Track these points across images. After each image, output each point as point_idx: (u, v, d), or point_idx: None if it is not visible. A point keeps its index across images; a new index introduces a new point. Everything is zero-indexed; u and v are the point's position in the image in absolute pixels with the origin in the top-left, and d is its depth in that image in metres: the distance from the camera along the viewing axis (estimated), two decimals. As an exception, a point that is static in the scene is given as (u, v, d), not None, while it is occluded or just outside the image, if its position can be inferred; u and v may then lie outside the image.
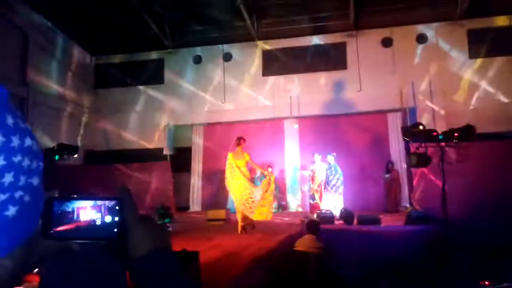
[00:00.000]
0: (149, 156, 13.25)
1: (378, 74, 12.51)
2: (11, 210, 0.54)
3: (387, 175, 11.29)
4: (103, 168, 12.70)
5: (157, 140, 13.82)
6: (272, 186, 7.63)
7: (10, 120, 0.54)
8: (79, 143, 12.93)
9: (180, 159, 13.45)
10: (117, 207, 0.70)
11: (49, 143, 9.94)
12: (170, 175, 12.59)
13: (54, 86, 13.04)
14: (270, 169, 9.44)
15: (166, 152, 13.40)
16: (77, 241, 0.69)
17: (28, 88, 11.69)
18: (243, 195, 7.36)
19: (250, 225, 7.49)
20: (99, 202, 0.69)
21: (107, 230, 0.69)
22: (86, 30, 13.86)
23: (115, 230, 0.69)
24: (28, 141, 0.56)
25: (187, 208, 12.87)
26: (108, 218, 0.69)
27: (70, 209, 0.68)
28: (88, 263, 0.71)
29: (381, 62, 12.57)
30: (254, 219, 7.43)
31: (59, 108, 13.19)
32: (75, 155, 9.89)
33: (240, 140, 7.71)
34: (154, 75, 14.35)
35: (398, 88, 12.28)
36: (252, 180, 8.38)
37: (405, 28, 12.56)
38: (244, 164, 7.54)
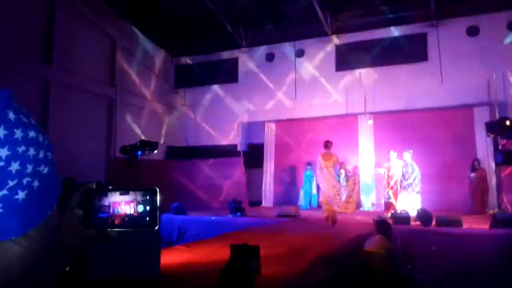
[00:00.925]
0: (224, 152, 13.74)
1: (463, 65, 11.59)
2: (21, 195, 0.62)
3: (472, 174, 10.43)
4: (181, 164, 13.42)
5: (232, 137, 14.25)
6: (357, 186, 9.11)
7: (11, 115, 0.62)
8: (160, 140, 13.78)
9: (253, 155, 13.72)
10: (147, 197, 0.77)
11: (133, 139, 10.71)
12: (243, 170, 12.92)
13: (138, 87, 14.06)
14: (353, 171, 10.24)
15: (239, 148, 13.76)
16: (114, 229, 0.77)
17: (116, 89, 12.74)
18: (331, 192, 8.43)
19: (333, 218, 8.16)
20: (131, 197, 0.77)
21: (140, 220, 0.76)
22: (167, 34, 14.74)
23: (147, 219, 0.76)
24: (31, 133, 0.64)
25: (259, 203, 13.11)
26: (140, 208, 0.76)
27: (107, 203, 0.76)
28: (125, 248, 0.80)
29: (466, 52, 11.64)
30: (340, 211, 8.52)
31: (143, 107, 14.18)
32: (155, 151, 10.56)
33: (327, 143, 8.74)
34: (229, 74, 14.82)
35: (485, 80, 11.27)
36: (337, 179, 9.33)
37: (493, 15, 11.46)
38: (332, 165, 8.60)
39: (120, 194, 0.77)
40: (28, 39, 10.10)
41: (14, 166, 0.60)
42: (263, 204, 13.08)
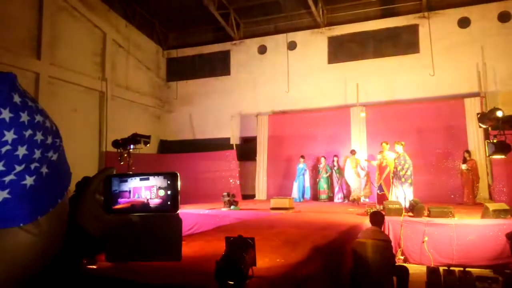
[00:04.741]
0: (217, 146, 13.69)
1: (454, 56, 11.67)
2: (28, 180, 0.59)
3: (463, 165, 10.54)
4: (174, 157, 13.36)
5: (224, 130, 14.20)
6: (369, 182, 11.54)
7: (17, 99, 0.59)
8: (152, 133, 13.68)
9: (246, 148, 13.71)
10: (168, 182, 0.76)
11: (125, 133, 10.62)
12: (237, 163, 12.90)
13: (129, 80, 13.93)
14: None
15: (232, 141, 13.73)
16: (136, 213, 0.77)
17: (106, 83, 12.60)
18: (357, 185, 11.39)
19: (358, 201, 10.88)
20: (152, 182, 0.77)
21: (161, 204, 0.77)
22: (158, 27, 14.60)
23: (168, 203, 0.76)
24: (38, 118, 0.61)
25: (253, 196, 13.12)
26: (161, 193, 0.77)
27: (127, 189, 0.76)
28: (147, 232, 0.80)
29: (457, 44, 11.71)
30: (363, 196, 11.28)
31: (134, 100, 14.06)
32: (148, 145, 10.48)
33: (353, 151, 11.68)
34: (221, 67, 14.75)
35: (476, 71, 11.35)
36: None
37: (485, 6, 11.52)
38: (356, 166, 11.51)
39: (141, 179, 0.77)
40: (16, 32, 9.93)
41: (21, 151, 0.58)
42: (257, 197, 13.08)
